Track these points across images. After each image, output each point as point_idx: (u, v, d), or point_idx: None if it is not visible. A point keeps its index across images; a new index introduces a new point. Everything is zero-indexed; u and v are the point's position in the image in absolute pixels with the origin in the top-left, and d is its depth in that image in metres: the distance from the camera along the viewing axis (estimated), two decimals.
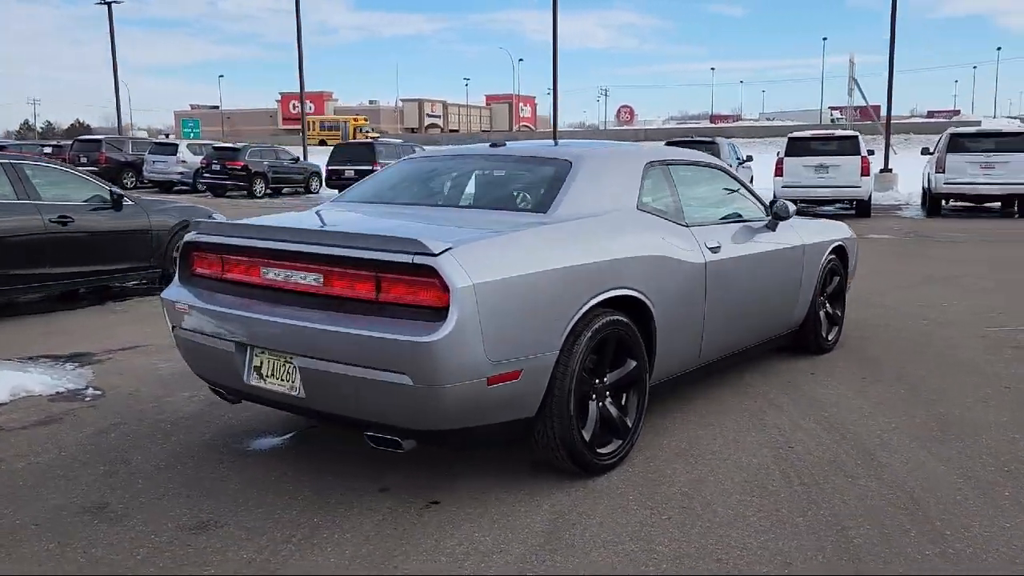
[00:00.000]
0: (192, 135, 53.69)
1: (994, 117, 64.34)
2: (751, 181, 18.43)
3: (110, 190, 7.87)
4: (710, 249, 4.20)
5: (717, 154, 17.33)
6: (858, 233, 6.48)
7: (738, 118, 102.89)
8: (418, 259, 2.94)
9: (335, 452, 3.83)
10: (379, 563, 2.82)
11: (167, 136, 42.54)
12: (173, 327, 3.78)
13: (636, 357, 3.66)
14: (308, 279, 3.26)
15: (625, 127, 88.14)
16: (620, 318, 3.54)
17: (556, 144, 4.66)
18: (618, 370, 3.62)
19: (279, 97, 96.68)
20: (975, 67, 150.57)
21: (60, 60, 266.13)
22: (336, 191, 22.99)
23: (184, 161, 26.29)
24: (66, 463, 3.73)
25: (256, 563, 2.82)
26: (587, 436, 3.44)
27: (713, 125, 75.93)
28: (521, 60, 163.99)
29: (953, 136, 16.59)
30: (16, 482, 3.53)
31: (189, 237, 3.77)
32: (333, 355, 3.08)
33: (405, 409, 3.02)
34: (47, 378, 5.03)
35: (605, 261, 3.52)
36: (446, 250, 2.95)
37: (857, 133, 17.72)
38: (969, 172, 15.93)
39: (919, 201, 19.27)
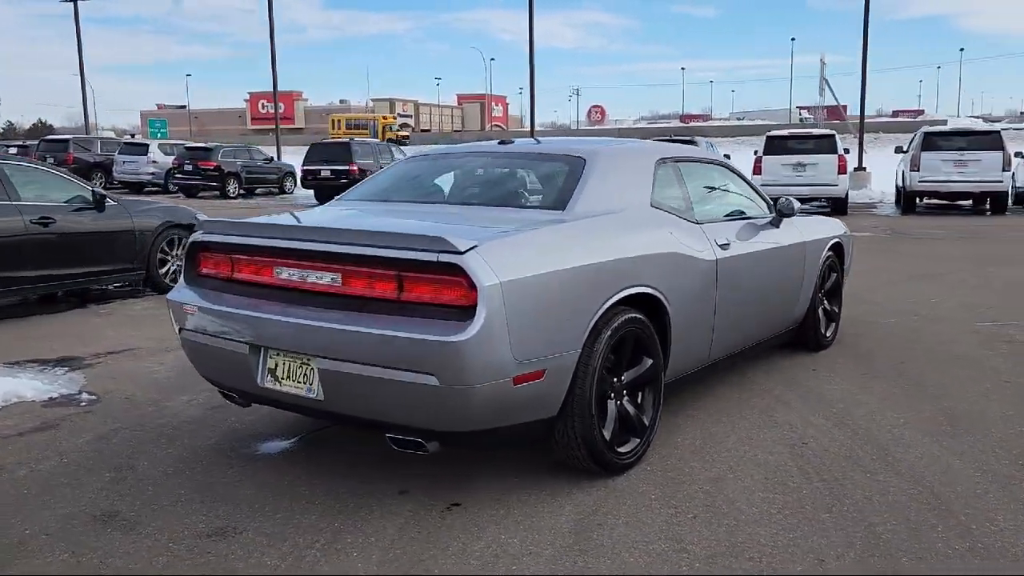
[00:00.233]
0: (159, 135, 52.81)
1: (958, 116, 65.58)
2: None
3: (92, 190, 7.69)
4: (720, 246, 4.19)
5: None
6: None
7: (708, 117, 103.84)
8: (444, 257, 2.88)
9: (347, 454, 3.75)
10: (408, 567, 2.76)
11: (133, 136, 41.62)
12: (180, 329, 3.67)
13: (652, 355, 3.64)
14: (325, 279, 3.18)
15: (596, 126, 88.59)
16: (638, 316, 3.51)
17: (560, 141, 4.63)
18: (635, 368, 3.60)
19: (248, 97, 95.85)
20: (939, 67, 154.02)
21: (19, 59, 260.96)
22: (311, 192, 22.68)
23: (155, 161, 25.82)
24: (70, 470, 3.61)
25: (282, 568, 2.75)
26: (607, 435, 3.41)
27: (684, 124, 76.31)
28: (493, 59, 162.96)
29: (927, 135, 16.90)
30: (20, 490, 3.41)
31: (196, 237, 3.66)
32: (355, 356, 3.00)
33: (430, 410, 2.96)
34: (38, 383, 4.88)
35: (624, 258, 3.49)
36: (472, 248, 2.89)
37: (834, 132, 18.03)
38: (943, 170, 16.23)
39: (893, 199, 19.57)
